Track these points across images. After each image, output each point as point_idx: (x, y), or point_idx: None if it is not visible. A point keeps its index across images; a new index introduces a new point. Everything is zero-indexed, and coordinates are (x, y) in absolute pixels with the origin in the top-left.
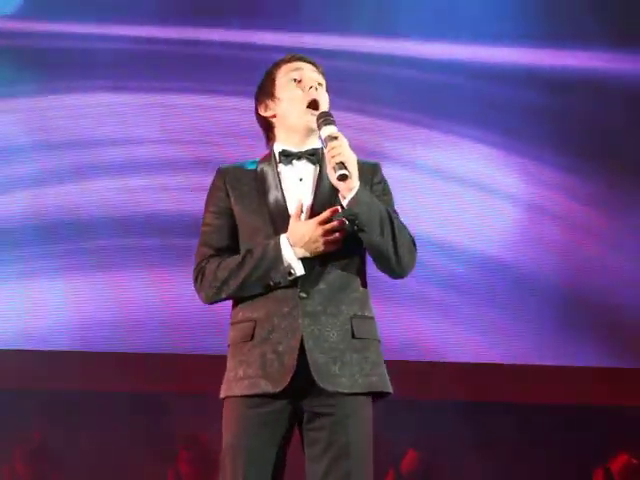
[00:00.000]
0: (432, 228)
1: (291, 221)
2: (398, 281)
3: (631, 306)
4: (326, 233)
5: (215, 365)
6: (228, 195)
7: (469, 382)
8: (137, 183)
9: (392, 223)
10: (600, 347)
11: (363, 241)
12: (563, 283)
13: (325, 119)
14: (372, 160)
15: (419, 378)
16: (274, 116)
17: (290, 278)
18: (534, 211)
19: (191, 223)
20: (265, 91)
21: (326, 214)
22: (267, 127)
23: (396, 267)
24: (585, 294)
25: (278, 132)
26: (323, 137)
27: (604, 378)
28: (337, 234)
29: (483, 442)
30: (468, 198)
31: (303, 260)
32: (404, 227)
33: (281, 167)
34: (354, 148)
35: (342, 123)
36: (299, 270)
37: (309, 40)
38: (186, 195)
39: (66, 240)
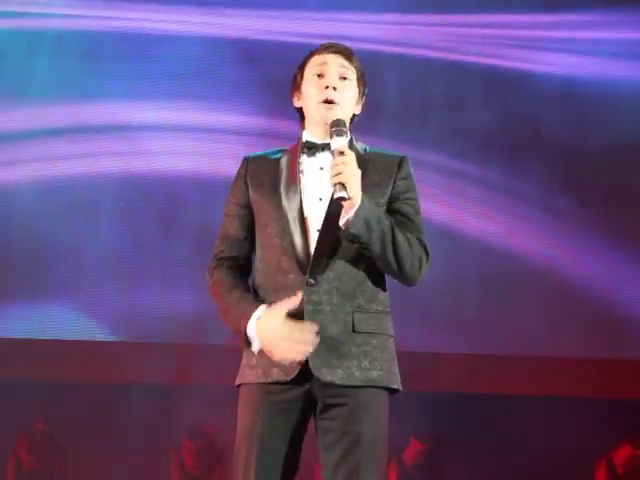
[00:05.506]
0: None
1: (273, 305)
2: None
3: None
4: (292, 341)
5: (221, 356)
6: (247, 184)
7: (471, 373)
8: None
9: (394, 239)
10: (601, 338)
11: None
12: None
13: (337, 129)
14: (400, 153)
15: (424, 368)
16: (302, 108)
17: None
18: None
19: None
20: (295, 83)
21: (292, 305)
22: (300, 116)
23: (401, 279)
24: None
25: (306, 123)
26: (332, 149)
27: (606, 370)
28: (300, 347)
29: (484, 433)
30: None
31: (316, 248)
32: (411, 238)
33: (303, 157)
34: None
35: None
36: (256, 347)
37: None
38: None
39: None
